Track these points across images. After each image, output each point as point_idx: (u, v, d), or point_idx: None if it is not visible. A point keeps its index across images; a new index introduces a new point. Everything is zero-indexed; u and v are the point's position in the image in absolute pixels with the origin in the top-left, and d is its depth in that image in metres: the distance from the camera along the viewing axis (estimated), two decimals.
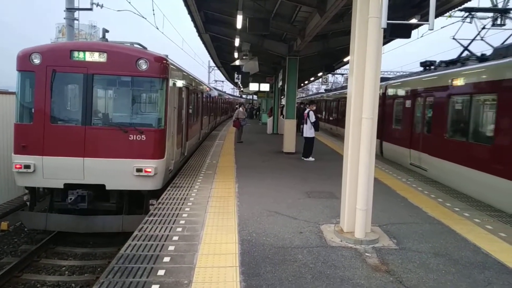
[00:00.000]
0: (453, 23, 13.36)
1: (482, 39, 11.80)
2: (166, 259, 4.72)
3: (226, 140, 18.79)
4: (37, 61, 7.74)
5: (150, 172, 7.82)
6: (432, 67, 12.51)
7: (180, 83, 10.40)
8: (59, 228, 8.07)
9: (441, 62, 12.03)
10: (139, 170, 7.82)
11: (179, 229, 5.77)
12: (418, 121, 11.50)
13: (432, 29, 4.81)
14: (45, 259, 7.53)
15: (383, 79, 13.60)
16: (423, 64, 13.03)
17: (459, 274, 4.58)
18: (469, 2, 10.42)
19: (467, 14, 12.15)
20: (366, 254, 5.08)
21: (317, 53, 17.13)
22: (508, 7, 11.47)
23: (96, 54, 7.90)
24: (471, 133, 8.71)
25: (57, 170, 7.69)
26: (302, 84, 40.96)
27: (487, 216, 6.89)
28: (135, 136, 7.92)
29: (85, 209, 7.70)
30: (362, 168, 5.47)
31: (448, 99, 9.64)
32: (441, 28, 12.53)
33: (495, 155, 7.65)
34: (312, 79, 33.82)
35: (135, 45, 9.02)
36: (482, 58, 9.88)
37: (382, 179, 9.95)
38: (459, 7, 10.93)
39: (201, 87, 17.08)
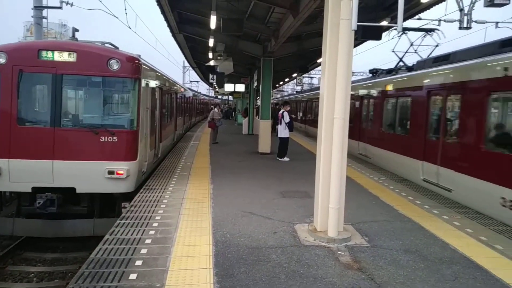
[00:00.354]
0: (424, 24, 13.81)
1: (415, 52, 14.15)
2: (138, 262, 4.65)
3: (201, 141, 18.67)
4: (2, 60, 7.46)
5: (122, 174, 7.68)
6: (376, 74, 14.73)
7: (153, 84, 10.26)
8: (27, 233, 7.80)
9: (383, 70, 14.42)
10: (110, 172, 7.66)
11: (152, 232, 5.69)
12: (364, 119, 13.82)
13: (400, 31, 4.93)
14: (12, 266, 7.25)
15: None
16: (371, 71, 15.19)
17: (428, 269, 4.71)
18: (427, 11, 10.81)
19: (401, 34, 14.19)
20: (339, 252, 5.16)
21: (292, 54, 17.29)
22: (434, 27, 13.49)
23: (66, 53, 7.69)
24: (397, 127, 11.30)
25: (25, 174, 7.43)
26: (277, 85, 41.18)
27: (455, 213, 7.12)
28: (106, 137, 7.75)
29: (54, 213, 7.47)
30: (334, 168, 5.54)
31: (383, 101, 12.07)
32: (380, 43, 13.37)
33: (409, 143, 10.16)
34: (287, 80, 34.06)
35: (107, 45, 8.83)
36: (410, 68, 12.14)
37: (355, 178, 10.12)
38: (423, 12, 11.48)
39: (175, 87, 16.90)
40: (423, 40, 13.99)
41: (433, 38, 13.70)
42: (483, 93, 7.21)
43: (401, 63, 13.65)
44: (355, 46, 19.18)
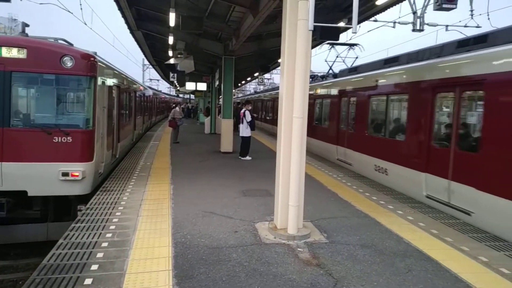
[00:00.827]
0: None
1: (343, 61, 17.94)
2: (94, 267, 4.49)
3: (161, 140, 18.34)
4: None
5: (77, 176, 7.40)
6: (312, 79, 17.00)
7: (110, 82, 9.95)
8: None
9: (319, 76, 17.55)
10: (65, 174, 7.36)
11: (109, 235, 5.52)
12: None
13: (355, 32, 5.07)
14: None
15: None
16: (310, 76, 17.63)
17: (383, 263, 4.88)
18: (383, 13, 11.23)
19: (331, 46, 17.97)
20: (298, 249, 5.24)
21: (253, 53, 17.32)
22: (355, 42, 16.84)
23: (15, 49, 7.30)
24: (323, 121, 14.42)
25: None
26: (239, 84, 41.18)
27: (409, 208, 7.43)
28: (60, 138, 7.45)
29: (4, 218, 7.09)
30: (294, 166, 5.62)
31: (314, 101, 15.18)
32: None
33: (329, 133, 13.50)
34: (249, 79, 34.12)
35: (60, 41, 8.47)
36: (335, 75, 15.25)
37: (315, 175, 10.32)
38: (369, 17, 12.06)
39: (134, 86, 16.49)
40: (348, 52, 17.62)
41: (355, 51, 18.25)
42: (367, 96, 10.70)
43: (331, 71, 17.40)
44: (314, 46, 19.58)
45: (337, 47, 17.71)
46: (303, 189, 5.88)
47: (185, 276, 4.31)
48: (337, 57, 17.73)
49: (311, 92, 14.76)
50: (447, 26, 15.77)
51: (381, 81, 9.99)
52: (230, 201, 7.57)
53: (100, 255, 4.82)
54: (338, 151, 12.60)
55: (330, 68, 17.64)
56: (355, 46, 17.21)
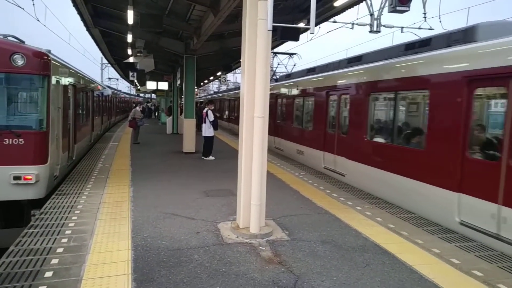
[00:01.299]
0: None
1: (285, 68, 21.49)
2: (48, 274, 4.30)
3: (121, 141, 17.86)
4: None
5: (30, 179, 7.06)
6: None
7: (65, 81, 9.57)
8: None
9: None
10: (17, 177, 7.01)
11: (65, 240, 5.30)
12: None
13: (313, 33, 5.16)
14: None
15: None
16: None
17: (342, 258, 5.01)
18: (342, 14, 11.54)
19: (274, 54, 20.41)
20: (260, 247, 5.27)
21: (215, 53, 17.22)
22: (294, 52, 18.82)
23: None
24: (284, 119, 15.21)
25: None
26: (202, 83, 40.82)
27: (367, 204, 7.67)
28: (11, 140, 7.09)
29: None
30: (255, 165, 5.65)
31: (275, 100, 16.00)
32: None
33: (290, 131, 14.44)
34: (211, 78, 33.90)
35: (10, 38, 8.03)
36: (288, 75, 17.29)
37: (277, 174, 10.43)
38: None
39: (91, 85, 15.95)
40: (289, 60, 20.64)
41: (293, 59, 21.41)
42: (292, 98, 14.04)
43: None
44: (275, 46, 19.74)
45: (279, 55, 20.98)
46: (265, 188, 5.92)
47: (145, 280, 4.22)
48: (278, 64, 21.31)
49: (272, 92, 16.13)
50: (402, 28, 16.41)
51: (300, 87, 13.57)
52: (192, 202, 7.49)
53: (54, 261, 4.62)
54: (275, 141, 15.59)
55: (274, 73, 21.35)
56: (294, 55, 20.64)
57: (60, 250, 4.96)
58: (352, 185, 9.30)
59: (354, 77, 9.75)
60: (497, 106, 5.99)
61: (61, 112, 8.94)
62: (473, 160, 5.95)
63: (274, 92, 15.85)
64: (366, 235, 5.87)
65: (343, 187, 9.07)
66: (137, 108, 18.91)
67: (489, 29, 6.66)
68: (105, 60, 37.92)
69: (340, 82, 10.40)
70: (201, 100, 39.48)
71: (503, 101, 5.64)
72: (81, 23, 13.89)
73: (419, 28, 15.73)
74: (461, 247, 5.50)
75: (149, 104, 46.74)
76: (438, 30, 14.75)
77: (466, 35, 6.84)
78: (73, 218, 6.28)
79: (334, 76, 10.86)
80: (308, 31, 5.50)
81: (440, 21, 14.90)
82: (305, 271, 4.57)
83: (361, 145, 9.05)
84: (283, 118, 15.27)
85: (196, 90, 44.29)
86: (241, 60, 6.09)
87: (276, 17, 5.37)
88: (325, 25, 13.65)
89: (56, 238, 5.36)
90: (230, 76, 49.73)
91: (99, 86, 19.16)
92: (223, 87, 50.58)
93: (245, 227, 5.81)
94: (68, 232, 5.63)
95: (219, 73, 26.03)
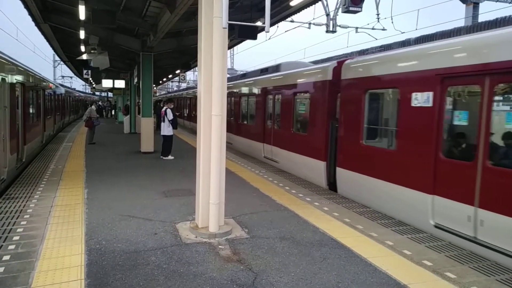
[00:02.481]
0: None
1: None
2: None
3: (75, 142, 17.17)
4: None
5: None
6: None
7: (12, 79, 9.07)
8: None
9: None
10: None
11: (12, 247, 5.02)
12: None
13: (268, 31, 5.20)
14: None
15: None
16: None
17: (300, 254, 5.09)
18: (299, 14, 11.74)
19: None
20: (220, 246, 5.25)
21: (173, 50, 16.95)
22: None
23: None
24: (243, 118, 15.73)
25: None
26: (160, 81, 40.04)
27: (325, 199, 7.84)
28: None
29: None
30: (214, 163, 5.61)
31: (231, 98, 16.45)
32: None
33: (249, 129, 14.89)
34: (170, 76, 33.34)
35: None
36: (244, 75, 18.09)
37: (238, 172, 10.43)
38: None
39: (42, 83, 15.23)
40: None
41: None
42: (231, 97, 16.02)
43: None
44: (234, 45, 19.67)
45: None
46: (224, 187, 5.89)
47: (99, 285, 4.08)
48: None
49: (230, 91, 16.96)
50: (357, 28, 16.93)
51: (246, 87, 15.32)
52: (150, 202, 7.33)
53: (0, 270, 4.36)
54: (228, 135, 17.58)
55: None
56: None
57: (6, 257, 4.69)
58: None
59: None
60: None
61: (8, 111, 8.47)
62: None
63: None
64: (324, 230, 5.99)
65: (302, 184, 9.23)
66: (93, 107, 18.26)
67: (288, 65, 12.56)
68: (58, 58, 36.28)
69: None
70: (160, 98, 38.69)
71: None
72: (30, 19, 13.20)
73: (373, 29, 16.30)
74: (412, 238, 5.75)
75: (100, 103, 44.95)
76: (390, 30, 15.31)
77: (276, 68, 13.15)
78: (22, 223, 5.96)
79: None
80: (269, 31, 5.53)
81: (392, 22, 15.51)
82: (263, 268, 4.60)
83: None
84: (234, 115, 16.50)
85: (155, 88, 43.43)
86: (197, 58, 6.02)
87: (233, 16, 5.38)
88: (283, 24, 13.84)
89: (2, 245, 5.07)
90: (190, 74, 49.15)
91: (51, 85, 18.32)
92: (184, 85, 49.90)
93: (204, 227, 5.76)
94: (16, 238, 5.34)
95: (177, 71, 25.63)
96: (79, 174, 9.82)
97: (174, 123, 12.98)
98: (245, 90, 15.11)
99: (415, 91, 6.35)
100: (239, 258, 4.87)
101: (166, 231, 5.79)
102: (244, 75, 17.59)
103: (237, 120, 15.89)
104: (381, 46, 10.38)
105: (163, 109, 13.29)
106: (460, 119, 5.92)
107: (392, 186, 6.77)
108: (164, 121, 12.93)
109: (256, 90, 13.75)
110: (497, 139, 5.41)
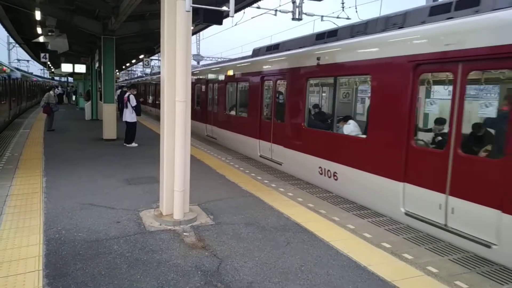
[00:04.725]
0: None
1: None
2: None
3: (33, 128, 16.43)
4: None
5: None
6: None
7: None
8: None
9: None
10: None
11: None
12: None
13: (232, 16, 5.14)
14: None
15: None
16: None
17: (265, 239, 5.15)
18: (260, 2, 11.73)
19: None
20: (184, 233, 5.22)
21: (136, 34, 16.41)
22: None
23: None
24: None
25: None
26: (123, 66, 38.83)
27: (289, 185, 7.95)
28: None
29: None
30: (178, 150, 5.53)
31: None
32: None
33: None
34: (134, 61, 32.37)
35: None
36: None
37: (204, 159, 10.36)
38: None
39: None
40: None
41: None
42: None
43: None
44: (199, 30, 19.29)
45: None
46: (189, 174, 5.84)
47: (58, 275, 3.96)
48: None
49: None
50: (322, 16, 17.07)
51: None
52: (112, 190, 7.16)
53: None
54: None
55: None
56: None
57: None
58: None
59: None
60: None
61: None
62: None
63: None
64: (288, 215, 6.09)
65: (268, 170, 9.30)
66: (51, 92, 17.49)
67: None
68: (12, 40, 34.28)
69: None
70: (123, 84, 37.58)
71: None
72: None
73: (338, 17, 16.49)
74: (373, 222, 5.96)
75: (58, 89, 42.96)
76: (355, 19, 15.54)
77: None
78: None
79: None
80: (233, 16, 5.46)
81: (356, 11, 15.74)
82: (228, 254, 4.63)
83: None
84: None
85: (118, 73, 42.06)
86: (160, 42, 5.86)
87: (199, 0, 5.25)
88: (250, 11, 13.73)
89: None
90: (155, 59, 47.89)
91: (4, 68, 17.35)
92: (148, 71, 48.62)
93: (168, 214, 5.70)
94: None
95: (141, 56, 24.89)
96: (37, 162, 9.42)
97: (137, 110, 12.67)
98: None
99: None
100: (204, 245, 4.87)
101: (129, 219, 5.68)
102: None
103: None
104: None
105: (126, 95, 12.93)
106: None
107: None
108: (127, 107, 12.60)
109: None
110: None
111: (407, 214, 5.93)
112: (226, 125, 13.41)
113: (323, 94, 12.21)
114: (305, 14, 15.23)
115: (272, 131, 10.08)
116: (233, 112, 13.25)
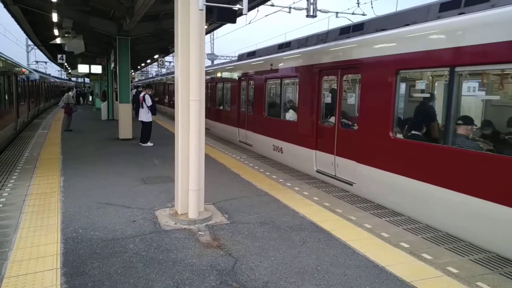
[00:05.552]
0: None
1: None
2: None
3: (51, 129, 16.72)
4: None
5: None
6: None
7: None
8: None
9: None
10: None
11: None
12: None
13: (246, 14, 5.11)
14: None
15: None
16: None
17: (280, 238, 5.11)
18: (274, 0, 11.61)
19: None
20: (199, 233, 5.21)
21: (151, 34, 16.52)
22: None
23: None
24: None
25: None
26: (138, 67, 39.22)
27: (305, 184, 7.88)
28: None
29: None
30: (192, 149, 5.53)
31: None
32: None
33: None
34: (148, 61, 32.65)
35: None
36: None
37: (218, 158, 10.36)
38: None
39: (16, 68, 14.70)
40: None
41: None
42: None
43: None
44: (213, 29, 19.30)
45: None
46: (203, 173, 5.83)
47: (75, 273, 4.00)
48: None
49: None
50: (337, 13, 16.89)
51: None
52: (128, 190, 7.21)
53: None
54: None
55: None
56: None
57: None
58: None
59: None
60: None
61: None
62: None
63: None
64: (303, 214, 6.03)
65: (282, 169, 9.25)
66: (70, 93, 17.81)
67: None
68: (30, 42, 34.99)
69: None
70: (139, 84, 37.97)
71: None
72: None
73: (353, 14, 16.29)
74: (390, 221, 5.85)
75: (76, 89, 43.69)
76: (370, 15, 15.34)
77: None
78: None
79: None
80: (247, 14, 5.42)
81: (372, 7, 15.51)
82: (243, 253, 4.60)
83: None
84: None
85: (133, 73, 42.50)
86: (174, 41, 5.87)
87: None
88: (263, 9, 13.68)
89: None
90: (169, 59, 48.28)
91: (23, 70, 17.71)
92: (163, 71, 49.02)
93: (183, 213, 5.70)
94: None
95: (156, 56, 25.08)
96: (55, 161, 9.57)
97: (153, 109, 12.78)
98: None
99: None
100: (219, 244, 4.85)
101: (145, 218, 5.71)
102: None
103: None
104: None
105: (141, 94, 13.04)
106: None
107: None
108: (142, 107, 12.71)
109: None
110: None
111: (317, 171, 8.22)
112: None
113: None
114: (320, 11, 15.10)
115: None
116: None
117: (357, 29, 8.23)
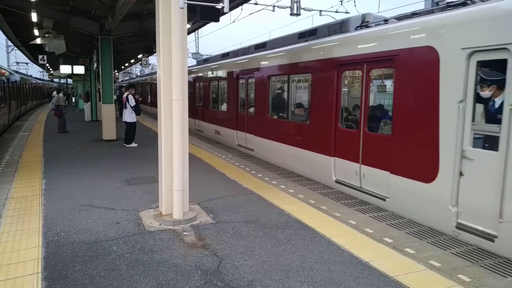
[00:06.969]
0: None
1: None
2: None
3: (33, 131, 16.41)
4: None
5: None
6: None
7: None
8: None
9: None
10: None
11: None
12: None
13: (227, 12, 5.09)
14: None
15: None
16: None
17: (265, 236, 5.11)
18: None
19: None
20: (184, 233, 5.18)
21: (134, 34, 16.35)
22: None
23: None
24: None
25: None
26: (122, 67, 38.77)
27: (290, 182, 7.90)
28: None
29: None
30: (176, 149, 5.49)
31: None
32: None
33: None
34: (132, 61, 32.31)
35: None
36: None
37: (204, 158, 10.31)
38: None
39: None
40: None
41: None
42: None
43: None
44: (197, 28, 19.19)
45: None
46: (187, 173, 5.79)
47: (57, 277, 3.93)
48: None
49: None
50: (321, 11, 16.97)
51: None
52: (112, 191, 7.12)
53: None
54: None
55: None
56: None
57: None
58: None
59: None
60: None
61: None
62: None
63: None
64: (289, 212, 6.04)
65: (268, 168, 9.25)
66: (60, 94, 17.55)
67: None
68: (10, 43, 34.23)
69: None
70: (123, 84, 37.52)
71: None
72: None
73: (336, 12, 16.38)
74: (374, 217, 5.91)
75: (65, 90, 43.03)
76: (353, 13, 15.45)
77: None
78: None
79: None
80: (228, 12, 5.41)
81: (355, 5, 15.62)
82: (228, 252, 4.59)
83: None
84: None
85: (116, 73, 41.97)
86: (156, 40, 5.81)
87: None
88: (247, 7, 13.67)
89: None
90: (153, 58, 47.87)
91: (3, 71, 17.35)
92: (147, 71, 48.59)
93: (168, 214, 5.66)
94: None
95: (140, 56, 24.83)
96: (37, 164, 9.40)
97: (137, 110, 12.64)
98: None
99: None
100: (203, 244, 4.83)
101: (129, 220, 5.65)
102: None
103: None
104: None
105: (124, 95, 12.89)
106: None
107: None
108: (126, 107, 12.57)
109: None
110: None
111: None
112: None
113: None
114: (303, 9, 15.15)
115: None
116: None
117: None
